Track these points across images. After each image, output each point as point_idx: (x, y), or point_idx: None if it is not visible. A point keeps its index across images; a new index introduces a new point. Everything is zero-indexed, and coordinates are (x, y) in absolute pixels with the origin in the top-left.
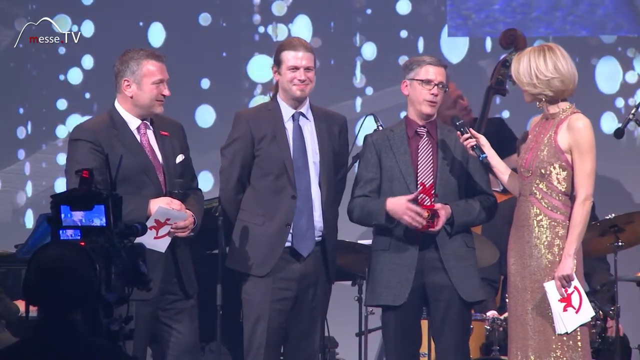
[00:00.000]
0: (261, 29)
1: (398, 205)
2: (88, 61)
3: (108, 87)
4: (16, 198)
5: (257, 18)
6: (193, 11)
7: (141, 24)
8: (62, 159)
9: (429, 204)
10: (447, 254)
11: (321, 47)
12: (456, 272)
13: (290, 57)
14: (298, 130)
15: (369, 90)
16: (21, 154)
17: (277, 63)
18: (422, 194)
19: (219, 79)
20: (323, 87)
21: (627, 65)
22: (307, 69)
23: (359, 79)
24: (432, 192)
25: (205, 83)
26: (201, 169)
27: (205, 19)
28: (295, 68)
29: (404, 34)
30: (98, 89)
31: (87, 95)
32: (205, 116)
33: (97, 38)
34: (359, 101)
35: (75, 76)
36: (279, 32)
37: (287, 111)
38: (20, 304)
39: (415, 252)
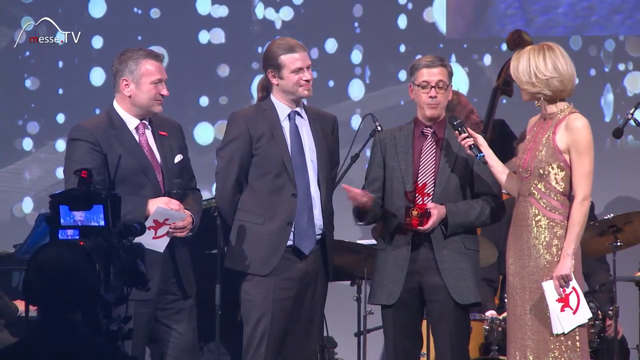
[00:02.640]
0: (259, 49)
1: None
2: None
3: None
4: (14, 198)
5: (257, 35)
6: (192, 29)
7: (140, 37)
8: (61, 160)
9: (421, 203)
10: (442, 255)
11: (320, 62)
12: (450, 274)
13: (293, 60)
14: (295, 129)
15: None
16: (20, 153)
17: (276, 67)
18: (416, 193)
19: (218, 95)
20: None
21: None
22: (308, 67)
23: (357, 92)
24: (425, 191)
25: (204, 100)
26: (199, 186)
27: (204, 36)
28: (300, 70)
29: (402, 48)
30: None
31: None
32: (204, 134)
33: (100, 53)
34: (356, 115)
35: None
36: None
37: (282, 110)
38: (20, 304)
39: (407, 252)
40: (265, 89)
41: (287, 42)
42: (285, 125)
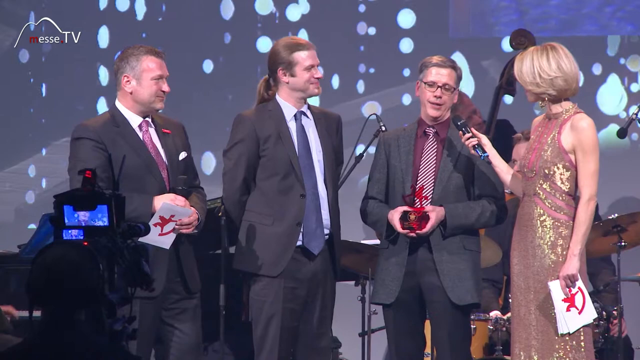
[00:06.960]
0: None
1: (390, 219)
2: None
3: None
4: (19, 198)
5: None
6: (197, 57)
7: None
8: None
9: (419, 206)
10: (440, 256)
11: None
12: (448, 274)
13: (306, 57)
14: (301, 129)
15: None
16: (24, 154)
17: (288, 65)
18: (415, 197)
19: (222, 124)
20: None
21: None
22: (318, 65)
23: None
24: (424, 194)
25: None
26: None
27: (208, 65)
28: (312, 66)
29: (406, 72)
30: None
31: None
32: (208, 163)
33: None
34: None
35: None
36: None
37: (289, 111)
38: (10, 310)
39: (405, 251)
40: (268, 90)
41: (297, 40)
42: (292, 125)
